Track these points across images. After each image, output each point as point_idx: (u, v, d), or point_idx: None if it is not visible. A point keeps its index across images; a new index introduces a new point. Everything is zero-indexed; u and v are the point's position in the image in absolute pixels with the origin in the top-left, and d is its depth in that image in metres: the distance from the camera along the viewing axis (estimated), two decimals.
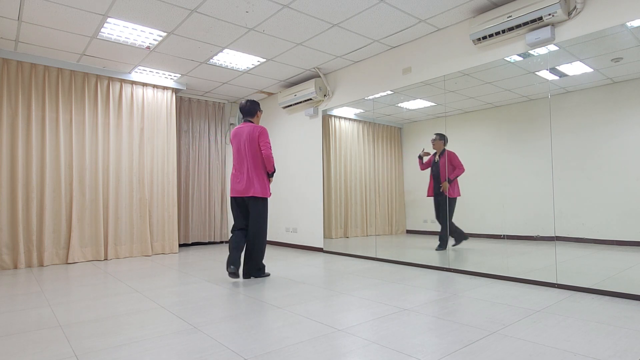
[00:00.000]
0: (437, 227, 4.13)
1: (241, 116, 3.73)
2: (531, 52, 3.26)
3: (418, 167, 4.38)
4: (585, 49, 2.99)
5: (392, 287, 3.12)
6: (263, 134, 3.52)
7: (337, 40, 4.14)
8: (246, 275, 3.55)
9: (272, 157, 3.55)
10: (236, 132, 3.60)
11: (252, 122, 3.63)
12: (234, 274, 3.35)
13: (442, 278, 3.42)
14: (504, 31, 3.29)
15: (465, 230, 3.95)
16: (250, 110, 3.63)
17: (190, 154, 6.24)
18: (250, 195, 3.45)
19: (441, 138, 4.06)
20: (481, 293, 2.86)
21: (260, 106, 3.75)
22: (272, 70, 5.08)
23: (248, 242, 3.52)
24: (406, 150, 4.65)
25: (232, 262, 3.37)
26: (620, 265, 2.89)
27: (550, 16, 2.99)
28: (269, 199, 3.59)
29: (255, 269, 3.56)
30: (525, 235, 3.46)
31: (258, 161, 3.50)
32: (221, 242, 6.57)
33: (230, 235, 3.62)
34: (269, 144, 3.56)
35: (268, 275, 3.66)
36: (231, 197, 3.59)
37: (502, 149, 3.74)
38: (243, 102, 3.68)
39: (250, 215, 3.52)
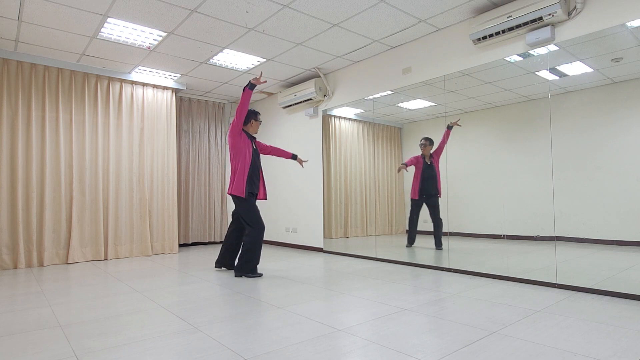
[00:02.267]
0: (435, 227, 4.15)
1: None
2: (531, 52, 3.26)
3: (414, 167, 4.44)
4: (585, 49, 2.99)
5: (392, 287, 3.12)
6: (229, 132, 3.69)
7: (337, 40, 4.14)
8: (232, 270, 3.86)
9: (237, 114, 3.61)
10: None
11: (245, 131, 3.74)
12: (219, 267, 3.91)
13: (442, 278, 3.42)
14: (504, 31, 3.29)
15: (466, 230, 3.96)
16: (244, 119, 3.76)
17: (190, 154, 6.24)
18: (229, 193, 3.67)
19: (431, 143, 4.19)
20: (481, 293, 2.86)
21: (259, 116, 3.82)
22: (272, 70, 5.08)
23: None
24: (406, 150, 4.66)
25: (218, 258, 3.91)
26: (620, 265, 2.89)
27: (550, 16, 2.99)
28: (252, 198, 3.73)
29: (238, 267, 3.66)
30: (525, 235, 3.46)
31: (232, 162, 3.66)
32: (221, 242, 6.57)
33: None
34: (232, 125, 3.65)
35: (258, 275, 3.72)
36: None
37: (502, 149, 3.74)
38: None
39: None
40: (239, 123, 3.60)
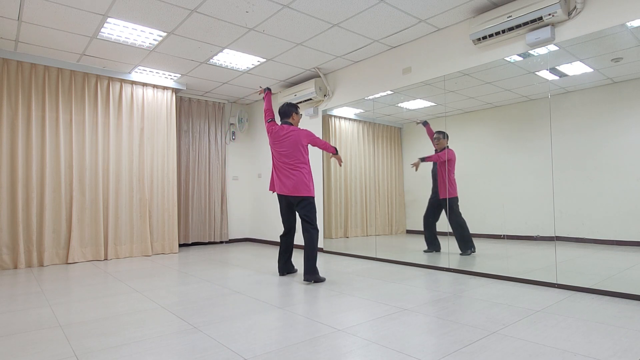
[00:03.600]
0: (437, 227, 4.13)
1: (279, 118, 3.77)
2: (531, 52, 3.26)
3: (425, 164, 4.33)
4: (585, 49, 2.99)
5: (392, 287, 3.12)
6: (310, 136, 3.54)
7: (337, 40, 4.14)
8: (305, 277, 3.35)
9: (328, 144, 3.67)
10: (276, 133, 3.55)
11: (290, 123, 3.60)
12: (284, 274, 3.69)
13: (442, 278, 3.42)
14: (504, 31, 3.29)
15: None
16: (285, 111, 3.63)
17: (190, 154, 6.24)
18: (298, 194, 3.45)
19: (445, 136, 4.04)
20: (481, 293, 2.86)
21: (299, 109, 3.78)
22: (272, 70, 5.08)
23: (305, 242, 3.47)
24: (406, 150, 4.66)
25: (280, 268, 3.70)
26: (620, 265, 2.89)
27: (550, 16, 2.99)
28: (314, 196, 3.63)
29: (312, 271, 3.35)
30: (525, 235, 3.46)
31: (302, 162, 3.50)
32: (221, 242, 6.57)
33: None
34: (320, 139, 3.61)
35: (323, 280, 3.40)
36: (278, 195, 3.64)
37: (502, 149, 3.74)
38: (282, 104, 3.76)
39: (301, 214, 3.48)
40: (318, 143, 3.60)
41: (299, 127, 3.71)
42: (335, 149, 3.71)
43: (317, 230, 3.49)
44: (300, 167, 3.48)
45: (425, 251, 4.18)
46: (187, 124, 6.25)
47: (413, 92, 4.28)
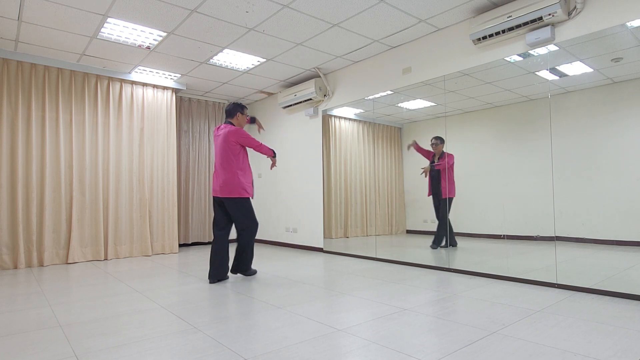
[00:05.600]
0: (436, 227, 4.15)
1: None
2: (531, 52, 3.26)
3: (422, 164, 4.39)
4: (585, 49, 2.99)
5: (392, 287, 3.12)
6: (237, 134, 3.44)
7: (337, 40, 4.14)
8: (234, 271, 3.61)
9: (263, 145, 3.58)
10: (215, 133, 3.61)
11: (232, 123, 3.56)
12: (214, 281, 3.42)
13: (442, 278, 3.42)
14: (504, 31, 3.29)
15: (466, 230, 3.96)
16: (230, 111, 3.59)
17: (190, 154, 6.24)
18: (226, 196, 3.41)
19: (442, 142, 4.11)
20: (481, 293, 2.86)
21: (246, 110, 3.68)
22: (272, 70, 5.08)
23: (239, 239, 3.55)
24: (406, 150, 4.66)
25: (213, 272, 3.43)
26: (620, 265, 2.89)
27: (550, 16, 2.99)
28: (252, 198, 3.65)
29: (244, 268, 3.61)
30: (525, 235, 3.46)
31: (232, 162, 3.43)
32: None
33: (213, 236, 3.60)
34: (251, 138, 3.51)
35: (254, 273, 3.73)
36: (213, 196, 3.62)
37: (502, 149, 3.74)
38: (229, 103, 3.70)
39: (232, 216, 3.48)
40: (248, 143, 3.50)
41: (242, 127, 3.64)
42: (273, 152, 3.64)
43: (252, 228, 3.51)
44: (229, 167, 3.42)
45: (444, 247, 4.19)
46: (187, 124, 6.25)
47: (413, 92, 4.28)
